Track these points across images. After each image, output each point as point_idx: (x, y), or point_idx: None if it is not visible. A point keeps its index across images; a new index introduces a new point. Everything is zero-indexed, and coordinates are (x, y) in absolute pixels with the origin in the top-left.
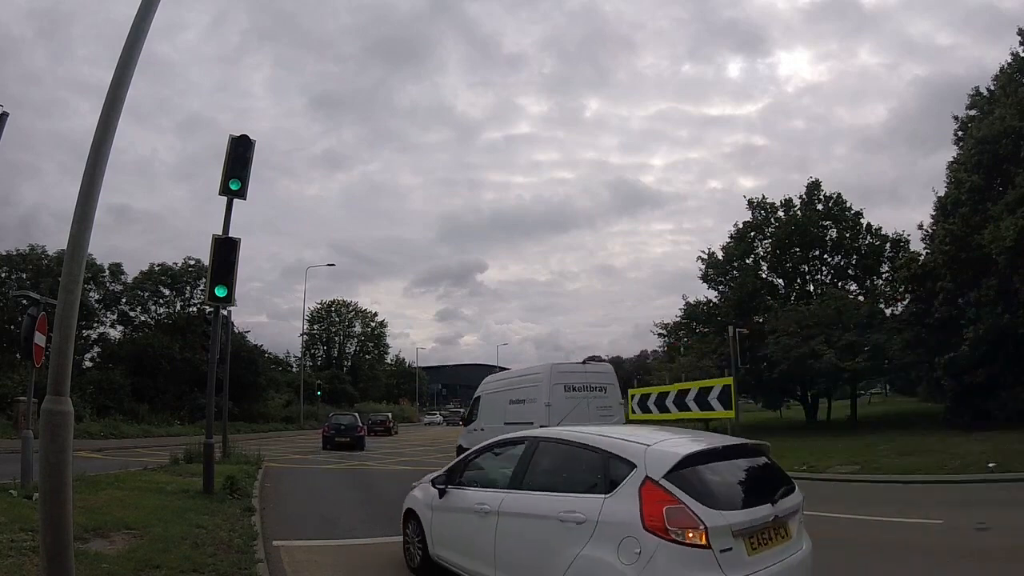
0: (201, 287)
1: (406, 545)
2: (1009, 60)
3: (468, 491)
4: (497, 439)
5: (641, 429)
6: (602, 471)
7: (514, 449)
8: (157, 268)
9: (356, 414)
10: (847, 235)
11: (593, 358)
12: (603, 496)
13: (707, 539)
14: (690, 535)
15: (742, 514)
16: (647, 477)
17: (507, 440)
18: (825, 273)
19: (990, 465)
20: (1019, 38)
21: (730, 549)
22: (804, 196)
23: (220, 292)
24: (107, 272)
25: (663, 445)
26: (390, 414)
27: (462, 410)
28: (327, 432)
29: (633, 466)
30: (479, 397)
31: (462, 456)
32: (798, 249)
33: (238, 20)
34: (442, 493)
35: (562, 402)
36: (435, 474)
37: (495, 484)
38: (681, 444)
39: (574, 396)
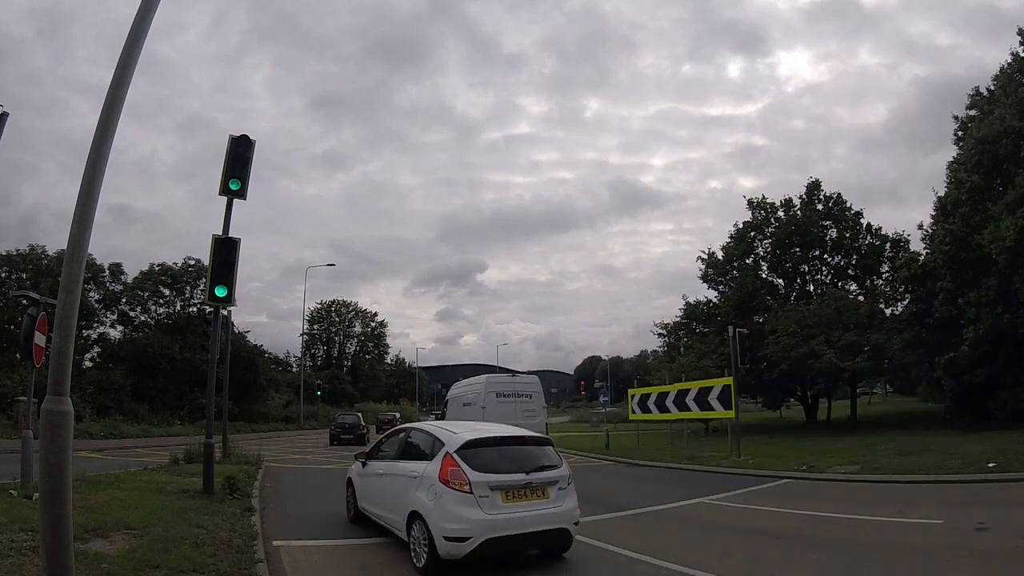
0: (201, 287)
1: (347, 503)
2: (1009, 60)
3: (375, 462)
4: (392, 429)
5: (470, 423)
6: (431, 447)
7: (400, 435)
8: (157, 268)
9: (359, 414)
10: (847, 235)
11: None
12: (428, 462)
13: (470, 489)
14: (460, 485)
15: (498, 476)
16: (447, 451)
17: (397, 430)
18: (825, 273)
19: (990, 465)
20: (1019, 38)
21: (487, 496)
22: (804, 196)
23: (220, 292)
24: (107, 272)
25: (463, 434)
26: (398, 414)
27: None
28: (333, 430)
29: (444, 445)
30: (447, 400)
31: (377, 440)
32: (798, 249)
33: (238, 20)
34: (363, 464)
35: (494, 406)
36: (361, 451)
37: (388, 457)
38: (472, 434)
39: (504, 401)
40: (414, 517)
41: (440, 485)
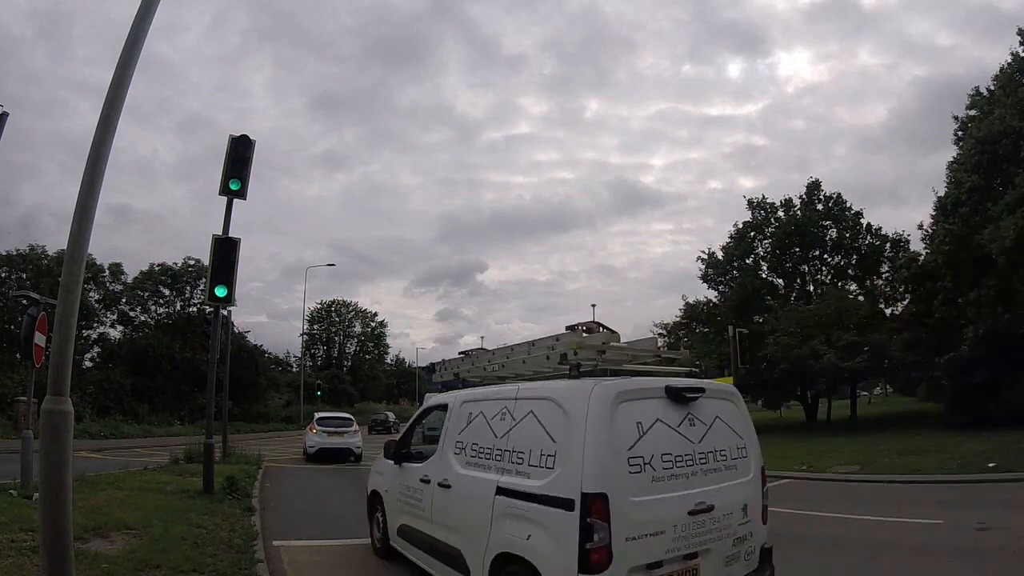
0: (201, 287)
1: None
2: (1009, 60)
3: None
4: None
5: (331, 411)
6: (312, 419)
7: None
8: (157, 268)
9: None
10: (847, 235)
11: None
12: (310, 423)
13: (316, 432)
14: (313, 432)
15: (326, 428)
16: (316, 419)
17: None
18: (825, 273)
19: (990, 465)
20: (1019, 38)
21: (323, 435)
22: (804, 196)
23: (220, 292)
24: (107, 272)
25: (320, 415)
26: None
27: None
28: None
29: (313, 419)
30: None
31: (311, 422)
32: (798, 249)
33: (238, 20)
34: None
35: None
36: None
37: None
38: (323, 415)
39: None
40: (307, 444)
41: (309, 432)
